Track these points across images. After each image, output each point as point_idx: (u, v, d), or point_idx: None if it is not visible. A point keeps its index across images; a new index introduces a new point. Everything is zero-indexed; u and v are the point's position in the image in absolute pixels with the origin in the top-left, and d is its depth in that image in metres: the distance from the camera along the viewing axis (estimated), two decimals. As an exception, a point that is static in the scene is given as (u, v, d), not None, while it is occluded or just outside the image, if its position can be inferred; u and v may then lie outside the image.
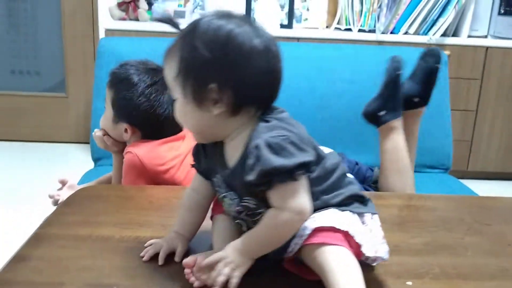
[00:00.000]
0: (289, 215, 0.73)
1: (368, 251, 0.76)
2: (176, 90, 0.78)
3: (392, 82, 1.49)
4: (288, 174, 0.72)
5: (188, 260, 0.77)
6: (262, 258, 0.78)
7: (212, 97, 0.75)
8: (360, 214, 0.80)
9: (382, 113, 1.50)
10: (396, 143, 1.50)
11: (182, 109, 0.79)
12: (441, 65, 1.54)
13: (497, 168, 3.03)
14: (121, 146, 1.39)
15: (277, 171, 0.71)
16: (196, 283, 0.77)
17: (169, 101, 1.32)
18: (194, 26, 0.76)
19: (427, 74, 1.51)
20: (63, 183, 1.45)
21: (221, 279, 0.74)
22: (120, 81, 1.31)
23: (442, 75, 1.99)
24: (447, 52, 2.57)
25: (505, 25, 2.85)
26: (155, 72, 1.33)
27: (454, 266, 0.88)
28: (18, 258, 0.85)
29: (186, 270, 0.77)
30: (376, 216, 0.83)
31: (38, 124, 3.34)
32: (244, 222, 0.82)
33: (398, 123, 1.51)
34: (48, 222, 1.01)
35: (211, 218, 0.91)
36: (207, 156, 0.86)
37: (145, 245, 0.88)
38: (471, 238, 0.99)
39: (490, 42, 2.85)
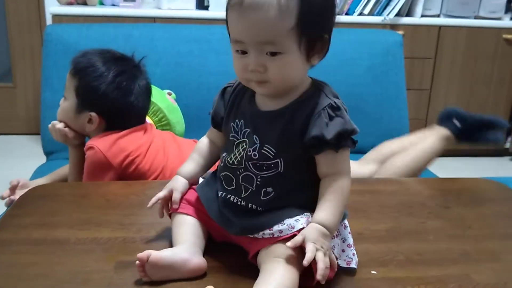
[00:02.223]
0: (348, 178, 0.77)
1: (341, 263, 0.80)
2: (283, 43, 0.72)
3: (489, 124, 1.57)
4: (352, 140, 0.76)
5: (142, 255, 0.75)
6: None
7: (319, 47, 0.76)
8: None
9: (457, 122, 1.57)
10: (432, 148, 1.58)
11: (290, 61, 0.74)
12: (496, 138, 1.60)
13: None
14: (82, 138, 1.33)
15: (352, 134, 0.75)
16: (145, 279, 0.76)
17: (139, 90, 1.28)
18: None
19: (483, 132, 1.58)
20: (14, 188, 1.37)
21: (322, 266, 0.70)
22: (84, 68, 1.25)
23: (398, 57, 2.01)
24: (401, 32, 2.60)
25: (457, 4, 2.89)
26: (122, 60, 1.29)
27: (418, 252, 0.88)
28: (-33, 268, 0.80)
29: (138, 263, 0.75)
30: (346, 222, 0.83)
31: (-16, 115, 3.19)
32: (237, 175, 0.80)
33: (448, 136, 1.58)
34: (-2, 226, 0.96)
35: (169, 215, 0.89)
36: (231, 101, 0.84)
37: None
38: (433, 222, 1.01)
39: (442, 21, 2.90)
